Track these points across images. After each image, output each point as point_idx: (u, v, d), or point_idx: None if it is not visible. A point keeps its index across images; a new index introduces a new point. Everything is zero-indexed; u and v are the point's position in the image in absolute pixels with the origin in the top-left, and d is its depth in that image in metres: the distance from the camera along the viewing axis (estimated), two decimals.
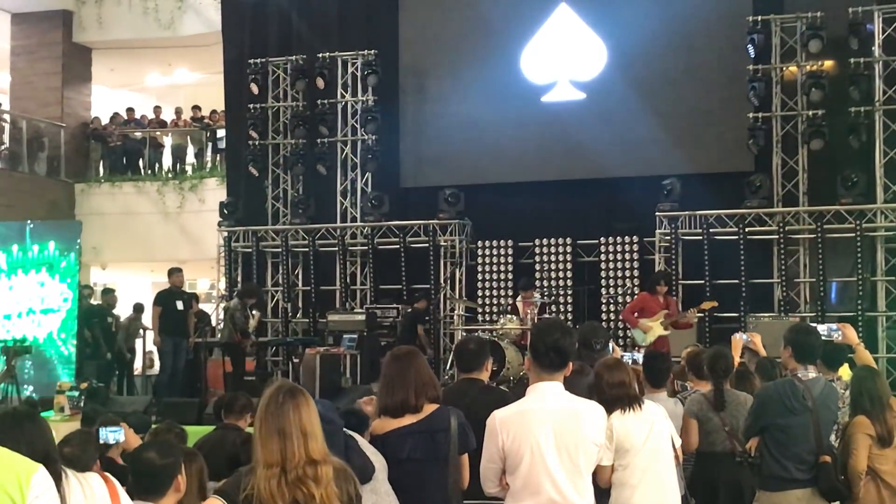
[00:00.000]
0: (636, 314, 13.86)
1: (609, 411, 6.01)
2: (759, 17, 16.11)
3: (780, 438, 6.41)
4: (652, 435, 6.19)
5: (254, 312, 15.66)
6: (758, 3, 16.43)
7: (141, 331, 19.36)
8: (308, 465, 4.11)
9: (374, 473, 5.29)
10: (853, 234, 15.30)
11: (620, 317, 15.11)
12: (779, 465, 6.40)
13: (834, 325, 7.48)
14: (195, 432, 8.47)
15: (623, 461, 6.08)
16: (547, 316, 15.82)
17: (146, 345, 19.51)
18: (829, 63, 16.18)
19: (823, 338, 7.19)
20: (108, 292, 19.18)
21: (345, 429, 5.31)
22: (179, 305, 16.70)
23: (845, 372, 7.90)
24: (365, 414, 6.00)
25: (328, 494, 4.09)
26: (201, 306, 19.06)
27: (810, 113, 15.80)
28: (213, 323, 18.60)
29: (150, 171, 23.06)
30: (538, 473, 4.92)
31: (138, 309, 19.29)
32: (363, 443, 5.45)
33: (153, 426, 7.98)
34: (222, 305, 18.73)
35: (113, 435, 6.30)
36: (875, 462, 6.67)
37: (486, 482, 5.17)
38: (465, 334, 16.39)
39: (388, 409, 5.76)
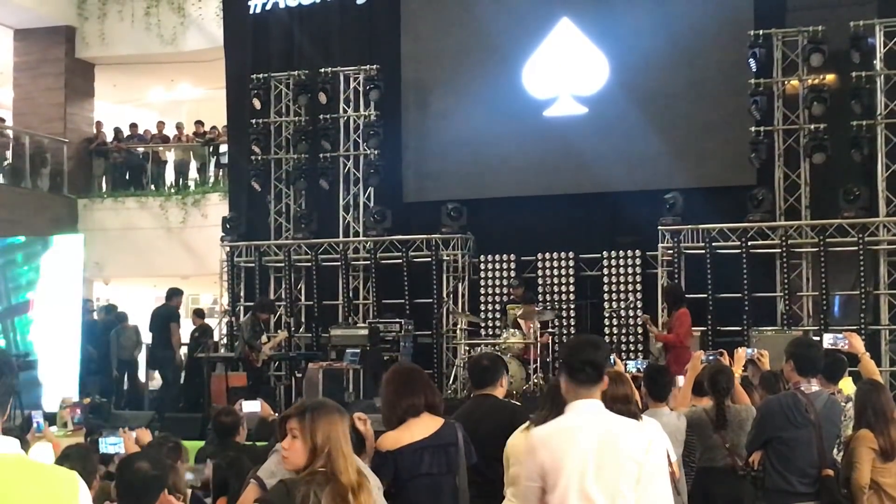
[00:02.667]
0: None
1: None
2: (761, 31, 16.12)
3: (784, 452, 6.40)
4: (649, 451, 6.17)
5: (278, 332, 15.75)
6: (759, 17, 16.43)
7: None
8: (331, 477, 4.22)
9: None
10: (856, 248, 15.28)
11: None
12: (782, 478, 6.39)
13: (840, 335, 7.48)
14: (196, 447, 8.48)
15: None
16: (550, 331, 15.85)
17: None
18: (830, 77, 16.19)
19: (830, 347, 7.19)
20: (113, 309, 19.20)
21: None
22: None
23: (846, 385, 7.90)
24: (360, 433, 5.99)
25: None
26: (207, 321, 19.15)
27: (812, 127, 15.81)
28: (216, 338, 18.67)
29: (152, 187, 23.07)
30: (577, 493, 4.83)
31: (122, 318, 19.37)
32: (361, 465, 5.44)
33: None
34: (225, 321, 18.80)
35: (113, 447, 6.29)
36: (878, 476, 6.67)
37: (526, 502, 5.05)
38: (467, 349, 16.40)
39: (390, 424, 5.78)
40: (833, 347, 7.43)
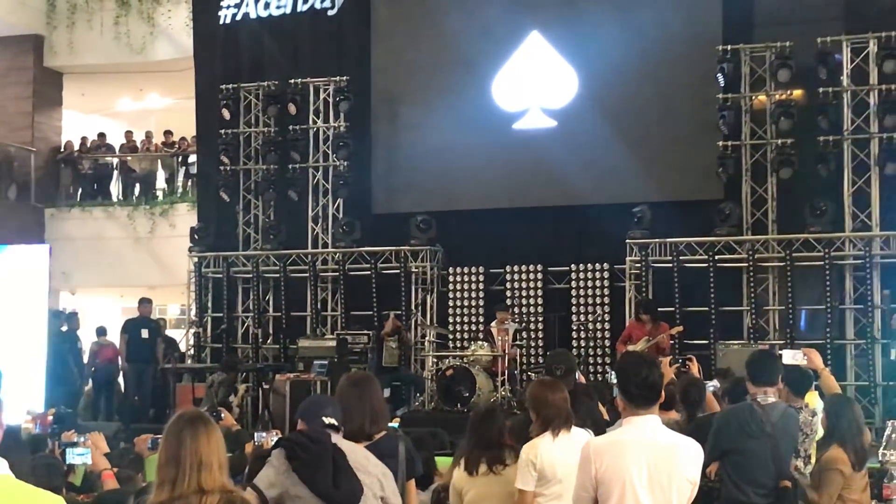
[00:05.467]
0: (626, 343, 14.46)
1: (539, 433, 6.05)
2: (729, 47, 16.21)
3: (739, 463, 6.41)
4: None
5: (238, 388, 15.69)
6: (727, 33, 16.53)
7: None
8: (194, 495, 4.12)
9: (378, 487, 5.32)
10: (822, 263, 15.37)
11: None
12: (738, 489, 6.39)
13: (799, 350, 7.50)
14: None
15: (546, 490, 6.07)
16: (518, 343, 15.87)
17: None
18: (797, 92, 16.31)
19: (788, 363, 7.22)
20: (72, 316, 19.03)
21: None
22: (145, 334, 17.02)
23: (812, 399, 7.93)
24: None
25: None
26: (169, 332, 19.06)
27: (779, 142, 15.91)
28: (183, 348, 18.62)
29: (120, 197, 22.96)
30: None
31: (101, 332, 19.26)
32: (360, 456, 5.42)
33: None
34: (192, 332, 18.73)
35: (80, 458, 6.24)
36: (843, 490, 6.69)
37: None
38: (435, 361, 16.40)
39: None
40: (792, 363, 7.46)
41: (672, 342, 14.79)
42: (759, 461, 6.36)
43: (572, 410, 7.24)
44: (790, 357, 7.32)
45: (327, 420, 5.38)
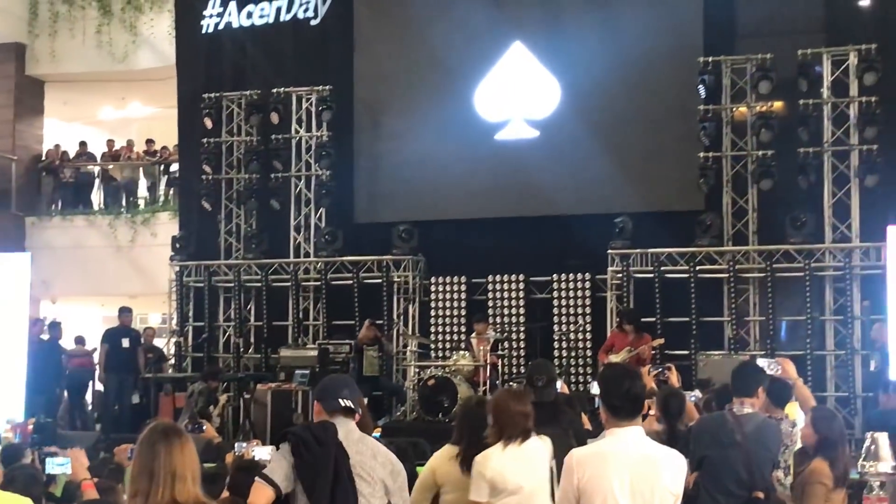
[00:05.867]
0: (608, 352, 14.60)
1: (493, 440, 6.07)
2: (710, 59, 16.27)
3: (712, 471, 6.43)
4: (533, 475, 6.19)
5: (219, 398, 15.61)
6: (709, 45, 16.60)
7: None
8: None
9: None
10: (802, 274, 15.45)
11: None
12: (711, 498, 6.39)
13: (773, 361, 7.52)
14: None
15: (499, 500, 6.08)
16: (499, 353, 15.88)
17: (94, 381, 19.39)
18: (778, 104, 16.38)
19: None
20: (55, 326, 18.95)
21: None
22: (125, 343, 16.95)
23: (791, 410, 7.96)
24: None
25: None
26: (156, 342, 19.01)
27: (760, 153, 15.97)
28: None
29: (102, 205, 22.90)
30: None
31: (78, 341, 19.22)
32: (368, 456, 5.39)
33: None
34: (174, 341, 18.69)
35: (60, 468, 6.22)
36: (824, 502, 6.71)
37: None
38: (417, 371, 16.39)
39: None
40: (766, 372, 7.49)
41: (654, 353, 14.83)
42: (730, 470, 6.37)
43: (556, 420, 7.27)
44: (764, 366, 7.36)
45: (343, 402, 5.35)
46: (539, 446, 6.29)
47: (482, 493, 6.06)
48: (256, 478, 5.22)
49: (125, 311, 17.97)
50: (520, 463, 6.11)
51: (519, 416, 6.21)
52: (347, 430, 5.32)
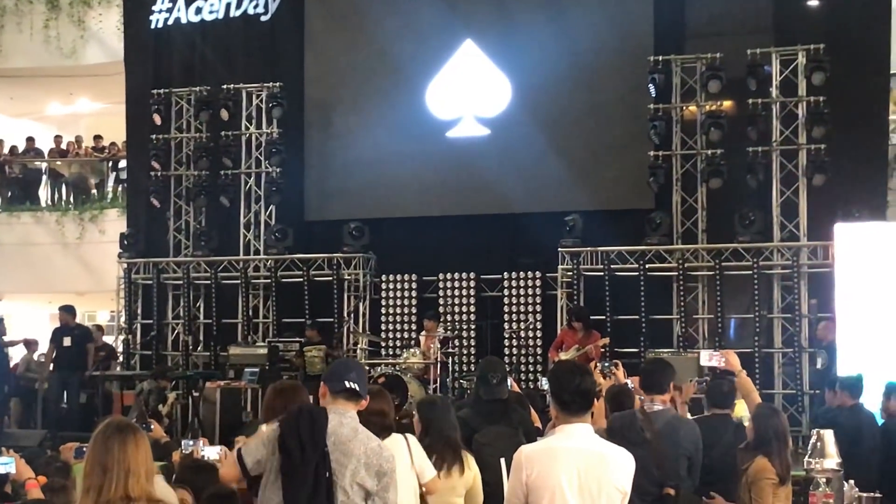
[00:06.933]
0: (558, 349, 14.63)
1: None
2: (661, 57, 16.35)
3: None
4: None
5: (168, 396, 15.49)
6: (659, 44, 16.68)
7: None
8: (121, 501, 4.11)
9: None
10: (750, 272, 15.56)
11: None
12: None
13: (717, 352, 7.56)
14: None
15: None
16: (450, 351, 15.87)
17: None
18: (727, 103, 16.50)
19: (706, 365, 7.29)
20: None
21: None
22: (67, 342, 16.90)
23: (738, 408, 8.00)
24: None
25: None
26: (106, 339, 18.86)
27: (709, 152, 16.07)
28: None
29: (49, 202, 22.67)
30: None
31: (26, 344, 19.09)
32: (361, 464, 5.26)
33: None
34: (122, 339, 18.54)
35: (4, 467, 6.16)
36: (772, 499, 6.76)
37: None
38: (368, 369, 16.34)
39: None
40: (710, 365, 7.53)
41: (603, 350, 14.87)
42: (642, 468, 6.39)
43: (507, 417, 7.28)
44: (708, 359, 7.40)
45: (349, 385, 5.21)
46: (399, 443, 6.21)
47: None
48: (235, 452, 5.22)
49: (65, 309, 17.68)
50: None
51: (375, 416, 6.09)
52: (341, 421, 5.16)
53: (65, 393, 17.47)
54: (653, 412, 6.60)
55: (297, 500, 4.99)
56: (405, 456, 6.11)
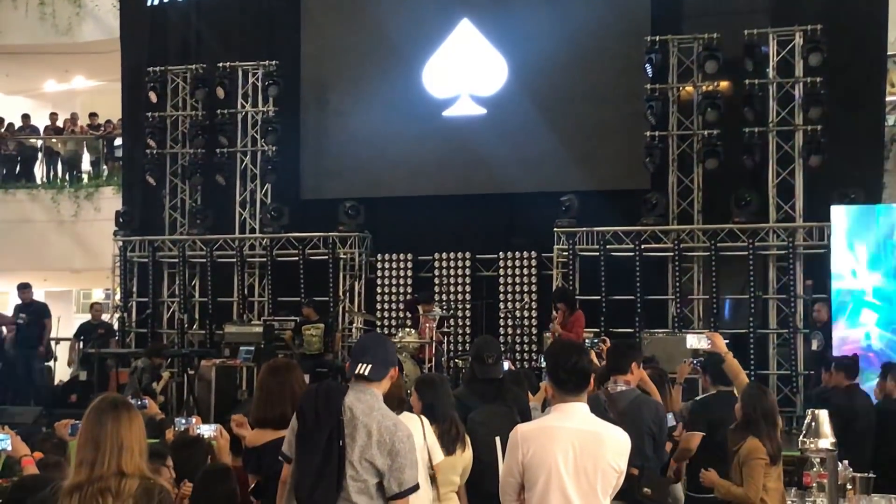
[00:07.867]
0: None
1: None
2: (658, 38, 16.32)
3: None
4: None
5: (162, 374, 15.46)
6: (656, 24, 16.64)
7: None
8: (114, 477, 4.12)
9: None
10: (746, 253, 15.57)
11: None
12: None
13: (703, 335, 7.58)
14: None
15: None
16: (445, 330, 15.87)
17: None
18: (724, 84, 16.48)
19: (693, 347, 7.31)
20: None
21: None
22: (21, 319, 17.73)
23: None
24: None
25: None
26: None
27: (706, 132, 16.05)
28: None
29: (45, 179, 22.62)
30: (553, 492, 4.86)
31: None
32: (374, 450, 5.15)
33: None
34: (117, 317, 18.54)
35: (0, 443, 6.17)
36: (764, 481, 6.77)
37: (504, 496, 5.09)
38: None
39: (265, 421, 5.77)
40: (697, 347, 7.54)
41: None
42: None
43: (501, 397, 7.28)
44: (695, 341, 7.41)
45: (358, 371, 5.09)
46: None
47: None
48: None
49: (22, 287, 18.09)
50: None
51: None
52: (358, 397, 5.08)
53: (27, 368, 17.71)
54: (617, 393, 6.62)
55: (309, 464, 4.98)
56: (420, 437, 6.09)
